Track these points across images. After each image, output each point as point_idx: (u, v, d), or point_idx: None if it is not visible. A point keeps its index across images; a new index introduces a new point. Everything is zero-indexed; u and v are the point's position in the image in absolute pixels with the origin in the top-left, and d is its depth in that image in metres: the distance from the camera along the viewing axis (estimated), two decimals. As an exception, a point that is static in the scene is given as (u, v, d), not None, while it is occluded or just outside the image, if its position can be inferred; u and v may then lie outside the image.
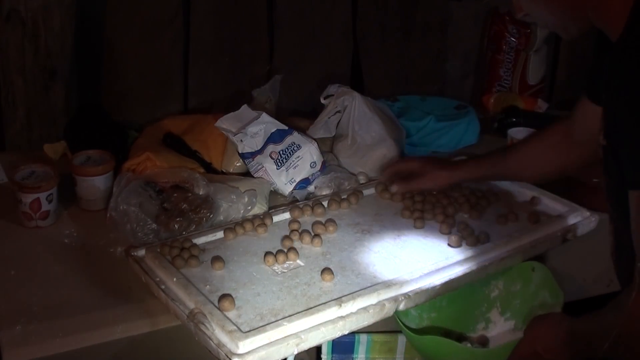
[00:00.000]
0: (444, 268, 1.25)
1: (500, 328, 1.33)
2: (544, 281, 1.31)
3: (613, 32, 0.99)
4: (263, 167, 1.56)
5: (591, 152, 1.24)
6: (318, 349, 1.34)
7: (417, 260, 1.28)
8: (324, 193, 1.55)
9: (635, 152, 0.93)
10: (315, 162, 1.59)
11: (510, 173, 1.47)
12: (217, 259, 1.25)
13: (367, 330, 1.34)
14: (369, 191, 1.55)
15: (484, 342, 1.32)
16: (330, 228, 1.37)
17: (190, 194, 1.41)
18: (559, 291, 1.28)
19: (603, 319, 1.03)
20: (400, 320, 1.23)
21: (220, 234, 1.35)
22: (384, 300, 1.16)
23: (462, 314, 1.34)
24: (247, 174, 1.61)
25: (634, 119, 0.92)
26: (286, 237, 1.33)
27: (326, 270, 1.22)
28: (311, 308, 1.12)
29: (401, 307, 1.17)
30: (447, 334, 1.31)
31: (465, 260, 1.28)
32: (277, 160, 1.56)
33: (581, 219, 1.44)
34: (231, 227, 1.35)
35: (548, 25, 1.11)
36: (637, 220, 0.96)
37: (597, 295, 1.46)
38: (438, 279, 1.23)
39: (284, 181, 1.56)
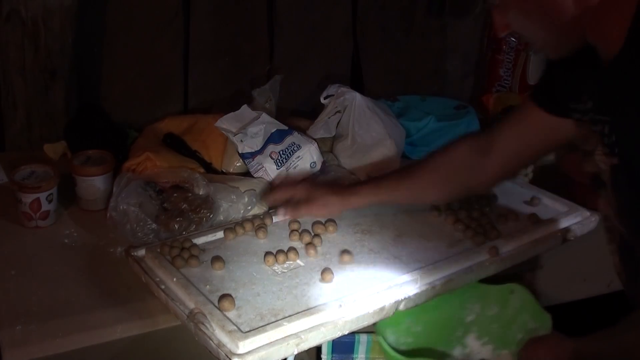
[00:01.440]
0: (444, 267, 1.25)
1: (477, 353, 1.30)
2: (524, 304, 1.28)
3: (609, 47, 0.95)
4: (263, 167, 1.56)
5: (511, 166, 1.23)
6: (318, 349, 1.34)
7: (417, 261, 1.28)
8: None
9: None
10: (315, 162, 1.59)
11: (412, 197, 1.37)
12: (217, 259, 1.25)
13: (367, 330, 1.34)
14: (369, 191, 1.55)
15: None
16: (330, 228, 1.37)
17: (190, 194, 1.41)
18: (544, 313, 1.25)
19: (619, 339, 0.98)
20: (386, 343, 1.21)
21: (220, 234, 1.35)
22: (384, 300, 1.16)
23: (438, 339, 1.31)
24: (247, 174, 1.61)
25: None
26: (286, 237, 1.33)
27: (326, 270, 1.22)
28: (311, 308, 1.12)
29: (401, 307, 1.17)
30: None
31: (466, 259, 1.28)
32: (277, 160, 1.56)
33: (581, 219, 1.44)
34: (231, 227, 1.35)
35: (537, 43, 1.04)
36: None
37: (597, 295, 1.46)
38: (438, 279, 1.23)
39: (284, 181, 1.56)
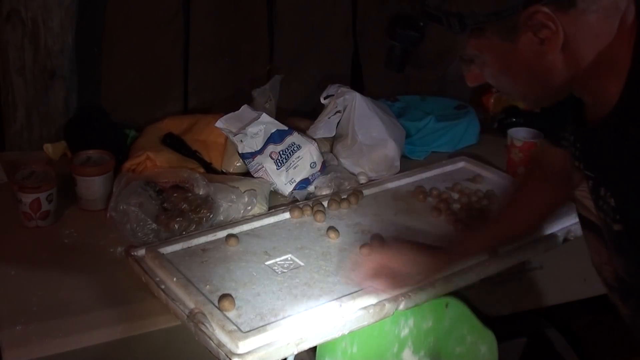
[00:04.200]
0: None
1: None
2: (460, 318, 1.27)
3: (597, 107, 0.92)
4: (263, 167, 1.56)
5: (566, 190, 1.18)
6: (318, 349, 1.34)
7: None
8: (324, 193, 1.55)
9: None
10: (315, 162, 1.59)
11: (510, 236, 1.29)
12: (231, 236, 1.31)
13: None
14: (369, 191, 1.55)
15: None
16: (332, 235, 1.36)
17: (190, 194, 1.41)
18: (485, 330, 1.24)
19: None
20: None
21: (220, 234, 1.35)
22: (384, 300, 1.16)
23: (374, 357, 1.29)
24: (247, 174, 1.61)
25: None
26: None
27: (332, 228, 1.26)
28: (311, 308, 1.12)
29: (401, 307, 1.17)
30: None
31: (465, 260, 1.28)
32: (277, 161, 1.56)
33: (581, 219, 1.44)
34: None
35: (515, 97, 1.00)
36: None
37: (597, 296, 1.45)
38: (438, 279, 1.23)
39: (284, 181, 1.56)
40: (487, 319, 1.28)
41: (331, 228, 1.36)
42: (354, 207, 1.48)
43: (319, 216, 1.41)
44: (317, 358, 1.20)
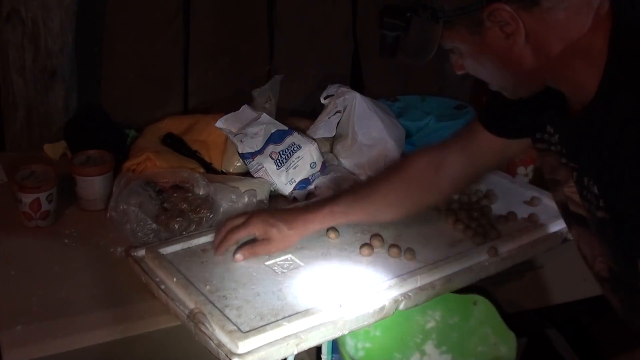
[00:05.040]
0: (444, 267, 1.25)
1: None
2: (486, 317, 1.27)
3: (577, 96, 0.95)
4: (263, 167, 1.56)
5: (459, 183, 1.24)
6: (318, 349, 1.34)
7: (418, 261, 1.28)
8: (324, 193, 1.55)
9: None
10: (315, 163, 1.59)
11: (368, 218, 1.32)
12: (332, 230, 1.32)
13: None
14: (369, 191, 1.55)
15: None
16: (332, 235, 1.36)
17: (190, 194, 1.41)
18: (508, 332, 1.24)
19: None
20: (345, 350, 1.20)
21: (220, 234, 1.35)
22: (384, 300, 1.16)
23: (396, 344, 1.30)
24: (247, 174, 1.61)
25: None
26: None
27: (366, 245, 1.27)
28: (311, 308, 1.12)
29: (401, 307, 1.17)
30: None
31: (466, 259, 1.28)
32: (277, 161, 1.56)
33: (581, 219, 1.44)
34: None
35: (495, 86, 1.03)
36: None
37: (597, 296, 1.45)
38: (438, 279, 1.23)
39: (284, 181, 1.56)
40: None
41: (331, 228, 1.36)
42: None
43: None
44: (339, 337, 1.20)
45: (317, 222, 1.28)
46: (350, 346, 1.25)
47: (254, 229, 1.26)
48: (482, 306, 1.28)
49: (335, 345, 1.32)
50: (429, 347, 1.30)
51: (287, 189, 1.56)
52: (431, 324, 1.31)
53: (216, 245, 1.27)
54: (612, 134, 0.89)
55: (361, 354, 1.26)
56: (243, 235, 1.26)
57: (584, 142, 0.96)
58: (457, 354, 1.28)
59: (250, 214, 1.28)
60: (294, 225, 1.27)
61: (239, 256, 1.25)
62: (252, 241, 1.27)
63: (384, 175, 1.32)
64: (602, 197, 0.93)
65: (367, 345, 1.27)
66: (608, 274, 1.02)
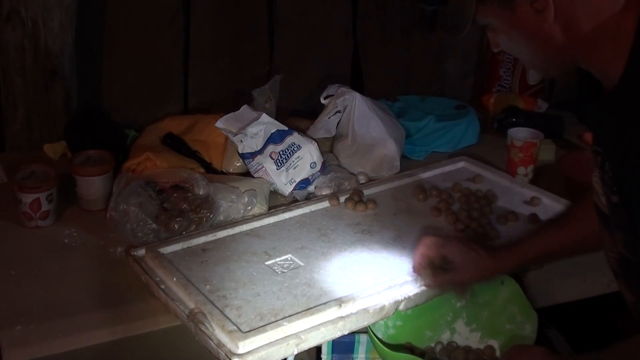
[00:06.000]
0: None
1: (465, 339, 1.29)
2: (513, 296, 1.28)
3: (605, 78, 0.94)
4: (263, 167, 1.56)
5: None
6: (318, 349, 1.34)
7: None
8: (324, 193, 1.55)
9: None
10: (315, 163, 1.58)
11: (567, 248, 1.23)
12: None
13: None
14: (368, 191, 1.55)
15: (452, 349, 1.28)
16: (370, 205, 1.42)
17: (190, 194, 1.41)
18: (531, 311, 1.24)
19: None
20: (373, 333, 1.20)
21: (220, 234, 1.35)
22: (384, 300, 1.16)
23: (427, 322, 1.30)
24: (247, 174, 1.61)
25: None
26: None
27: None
28: (311, 308, 1.12)
29: (401, 307, 1.17)
30: (412, 346, 1.27)
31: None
32: (277, 161, 1.56)
33: (581, 219, 1.43)
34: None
35: (527, 64, 1.05)
36: None
37: (597, 296, 1.45)
38: (438, 279, 1.23)
39: (284, 181, 1.56)
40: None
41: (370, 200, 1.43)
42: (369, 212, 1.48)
43: (360, 207, 1.46)
44: None
45: (516, 256, 1.21)
46: (380, 325, 1.25)
47: (449, 250, 1.19)
48: (509, 286, 1.29)
49: (336, 344, 1.32)
50: (459, 325, 1.31)
51: (287, 189, 1.56)
52: (462, 303, 1.31)
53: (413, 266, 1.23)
54: (631, 119, 0.88)
55: (392, 331, 1.27)
56: (437, 256, 1.20)
57: (607, 126, 0.95)
58: (486, 332, 1.29)
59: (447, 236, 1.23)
60: (493, 257, 1.20)
61: (430, 281, 1.20)
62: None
63: (573, 207, 1.27)
64: (616, 181, 0.93)
65: (399, 323, 1.28)
66: (620, 268, 1.02)
